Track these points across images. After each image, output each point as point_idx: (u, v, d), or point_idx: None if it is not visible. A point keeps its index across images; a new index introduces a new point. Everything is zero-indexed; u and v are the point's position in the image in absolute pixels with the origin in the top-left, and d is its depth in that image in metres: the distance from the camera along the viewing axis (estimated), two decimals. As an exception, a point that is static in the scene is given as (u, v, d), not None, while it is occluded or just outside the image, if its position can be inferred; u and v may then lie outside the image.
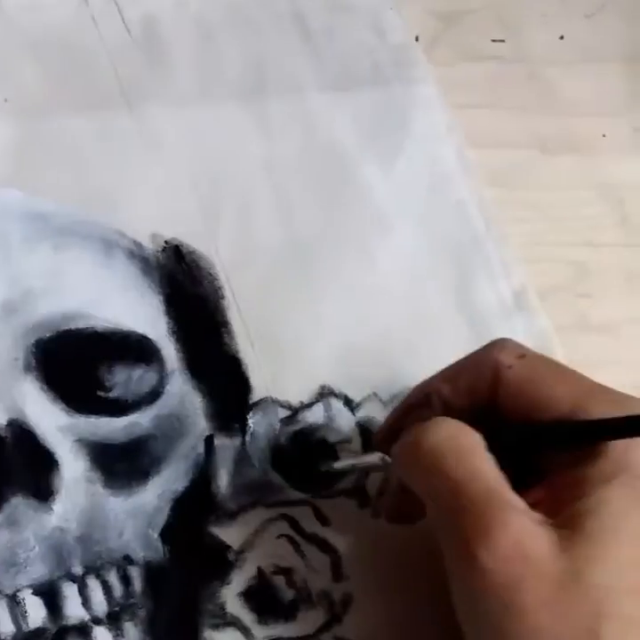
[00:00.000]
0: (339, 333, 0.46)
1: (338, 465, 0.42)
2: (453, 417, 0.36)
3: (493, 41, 0.55)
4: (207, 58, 0.51)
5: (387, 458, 0.39)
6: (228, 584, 0.40)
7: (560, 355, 0.45)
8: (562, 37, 0.57)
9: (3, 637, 0.37)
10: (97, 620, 0.38)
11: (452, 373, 0.38)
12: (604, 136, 0.54)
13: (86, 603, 0.38)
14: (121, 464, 0.40)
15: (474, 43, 0.55)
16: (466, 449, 0.34)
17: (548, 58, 0.56)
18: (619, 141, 0.54)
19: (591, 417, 0.34)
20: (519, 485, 0.33)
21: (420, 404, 0.39)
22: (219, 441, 0.42)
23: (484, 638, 0.33)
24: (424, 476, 0.35)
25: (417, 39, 0.54)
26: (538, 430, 0.35)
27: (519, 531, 0.32)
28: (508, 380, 0.36)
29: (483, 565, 0.32)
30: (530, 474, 0.35)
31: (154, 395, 0.42)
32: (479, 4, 0.57)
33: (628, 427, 0.33)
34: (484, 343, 0.45)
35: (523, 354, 0.37)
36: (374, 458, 0.40)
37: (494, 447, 0.34)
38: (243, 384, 0.43)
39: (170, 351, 0.43)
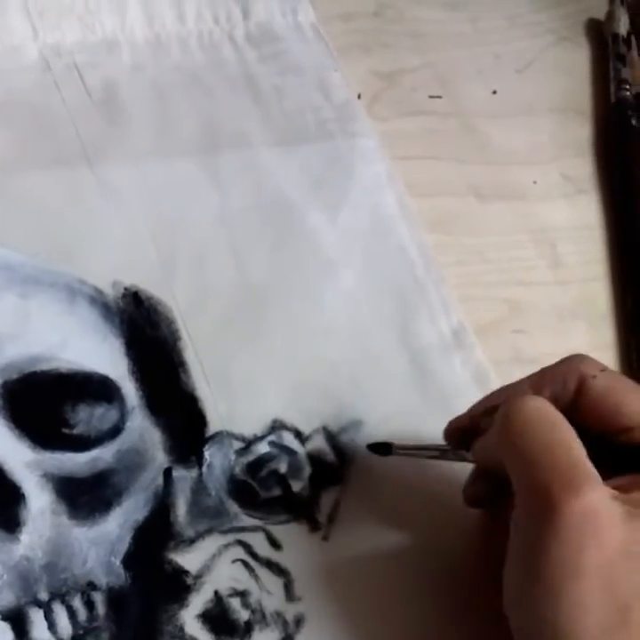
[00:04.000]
0: (289, 371, 0.47)
1: (404, 445, 0.45)
2: None
3: (431, 97, 0.58)
4: (163, 118, 0.54)
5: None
6: (186, 607, 0.41)
7: (496, 387, 0.47)
8: (494, 92, 0.60)
9: (-28, 660, 0.38)
10: (62, 643, 0.39)
11: (537, 381, 0.40)
12: (534, 183, 0.57)
13: (52, 627, 0.39)
14: (85, 496, 0.42)
15: (413, 99, 0.58)
16: (558, 420, 0.37)
17: (482, 111, 0.59)
18: (548, 188, 0.57)
19: None
20: None
21: None
22: (177, 473, 0.44)
23: (539, 596, 0.34)
24: (519, 437, 0.36)
25: (359, 97, 0.57)
26: (624, 452, 0.38)
27: (598, 497, 0.34)
28: (593, 389, 0.39)
29: (558, 522, 0.34)
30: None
31: (115, 431, 0.44)
32: (418, 63, 0.60)
33: None
34: (426, 378, 0.48)
35: (604, 367, 0.40)
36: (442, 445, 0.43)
37: None
38: (199, 419, 0.45)
39: (130, 390, 0.45)
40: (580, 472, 0.35)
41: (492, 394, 0.43)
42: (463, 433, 0.42)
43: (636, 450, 0.37)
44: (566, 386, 0.39)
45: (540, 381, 0.40)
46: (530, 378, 0.41)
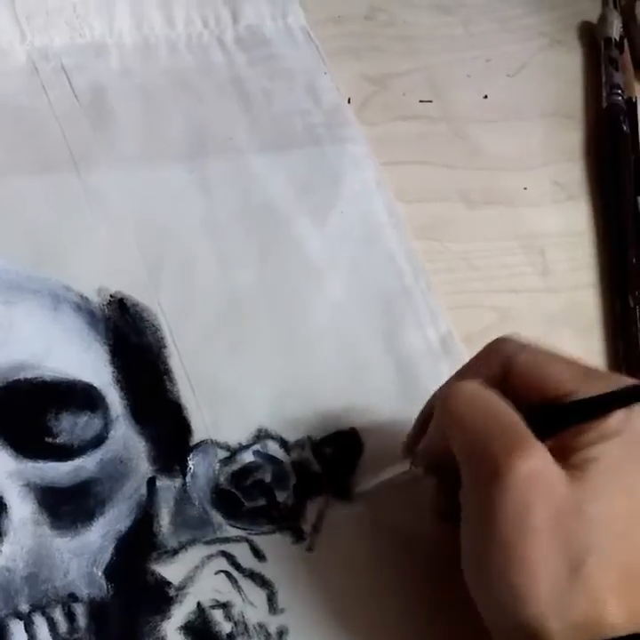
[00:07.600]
0: (274, 379, 0.47)
1: (362, 488, 0.45)
2: None
3: (421, 101, 0.58)
4: (151, 123, 0.53)
5: (414, 468, 0.42)
6: (168, 618, 0.41)
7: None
8: (485, 97, 0.59)
9: (-49, 673, 0.38)
10: (43, 656, 0.39)
11: (468, 371, 0.41)
12: (525, 189, 0.56)
13: (32, 639, 0.39)
14: (67, 506, 0.42)
15: (403, 103, 0.58)
16: (493, 396, 0.38)
17: (472, 116, 0.58)
18: (539, 194, 0.57)
19: (591, 394, 0.37)
20: None
21: None
22: (160, 482, 0.43)
23: (493, 558, 0.35)
24: (459, 415, 0.38)
25: (349, 101, 0.57)
26: (553, 411, 0.38)
27: (540, 460, 0.35)
28: (518, 365, 0.39)
29: (505, 484, 0.35)
30: None
31: (99, 440, 0.43)
32: (408, 67, 0.60)
33: (623, 398, 0.37)
34: (413, 386, 0.48)
35: (527, 343, 0.40)
36: (403, 467, 0.43)
37: None
38: (183, 428, 0.45)
39: (114, 398, 0.45)
40: (521, 437, 0.36)
41: (430, 399, 0.43)
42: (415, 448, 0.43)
43: (564, 408, 0.38)
44: (493, 369, 0.40)
45: (471, 371, 0.41)
46: (459, 372, 0.42)
